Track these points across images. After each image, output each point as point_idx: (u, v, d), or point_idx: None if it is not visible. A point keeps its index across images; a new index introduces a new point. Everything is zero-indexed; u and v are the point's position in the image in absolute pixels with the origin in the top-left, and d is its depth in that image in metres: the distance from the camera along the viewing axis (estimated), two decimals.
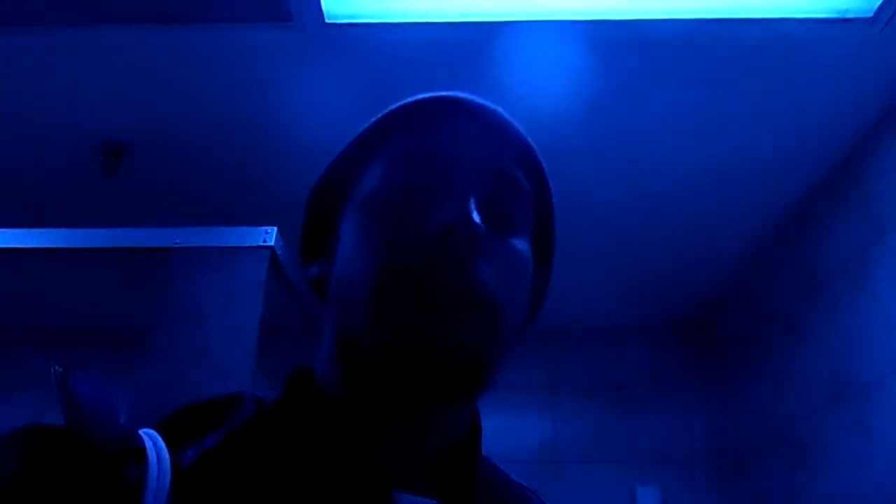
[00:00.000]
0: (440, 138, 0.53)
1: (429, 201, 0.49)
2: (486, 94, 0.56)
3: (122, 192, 1.82)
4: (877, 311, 1.84)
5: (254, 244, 1.48)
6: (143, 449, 0.42)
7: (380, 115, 0.57)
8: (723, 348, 2.79)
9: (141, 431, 0.44)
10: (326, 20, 1.41)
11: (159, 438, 0.44)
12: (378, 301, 0.46)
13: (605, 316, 2.84)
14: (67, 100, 1.71)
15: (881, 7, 1.47)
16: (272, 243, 1.48)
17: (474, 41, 1.49)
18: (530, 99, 1.70)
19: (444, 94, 0.56)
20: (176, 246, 1.47)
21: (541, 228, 0.57)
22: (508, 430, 2.71)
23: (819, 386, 2.11)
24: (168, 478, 0.42)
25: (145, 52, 1.58)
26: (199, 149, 1.74)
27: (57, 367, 0.43)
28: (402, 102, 0.56)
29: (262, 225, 1.50)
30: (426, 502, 0.46)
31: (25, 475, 0.38)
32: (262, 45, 1.51)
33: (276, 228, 1.48)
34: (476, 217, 0.47)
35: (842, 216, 2.00)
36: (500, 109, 0.56)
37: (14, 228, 1.53)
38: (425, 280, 0.45)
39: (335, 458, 0.46)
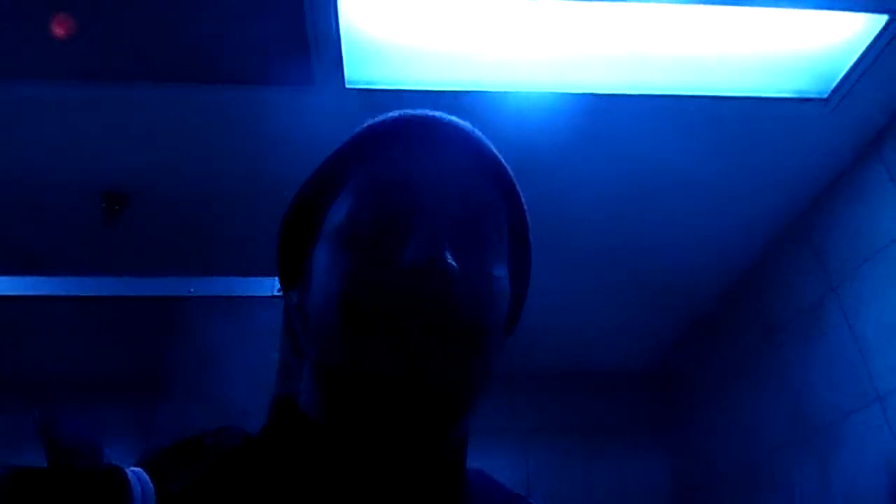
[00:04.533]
0: (407, 165, 0.52)
1: (399, 236, 0.48)
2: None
3: (128, 241, 1.84)
4: (831, 358, 2.01)
5: (266, 294, 1.53)
6: (127, 484, 0.42)
7: (346, 139, 0.56)
8: (686, 395, 2.94)
9: (126, 469, 0.44)
10: (347, 85, 1.51)
11: (143, 473, 0.44)
12: (353, 338, 0.46)
13: (576, 362, 2.95)
14: (74, 150, 1.73)
15: (834, 90, 1.67)
16: None
17: (488, 109, 1.61)
18: (525, 157, 1.83)
19: (408, 113, 0.55)
20: (190, 295, 1.50)
21: (516, 243, 0.57)
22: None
23: (777, 430, 2.26)
24: None
25: (162, 108, 1.63)
26: (207, 200, 1.79)
27: (37, 412, 0.45)
28: (367, 124, 0.56)
29: (269, 276, 1.55)
30: None
31: None
32: (280, 106, 1.59)
33: None
34: (448, 256, 0.46)
35: (797, 270, 2.20)
36: (466, 125, 0.56)
37: (20, 276, 1.54)
38: (401, 317, 0.45)
39: (322, 481, 0.46)
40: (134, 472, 0.44)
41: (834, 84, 1.66)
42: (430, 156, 0.52)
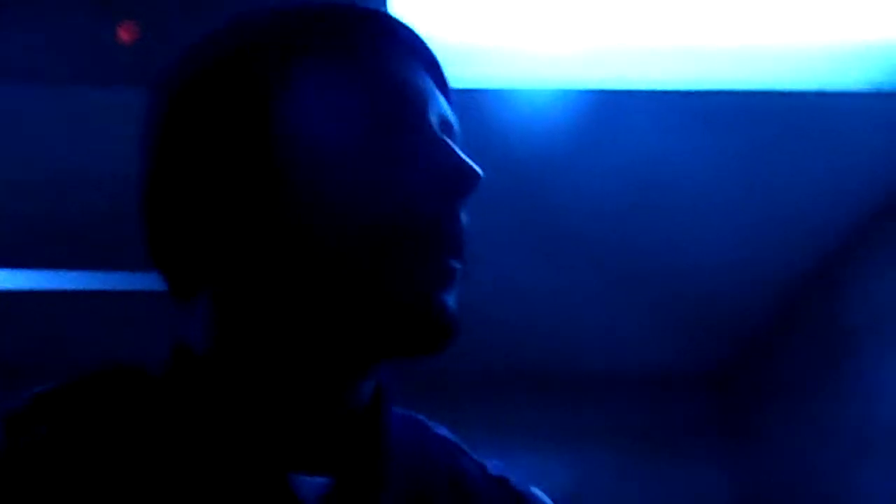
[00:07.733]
0: (400, 67, 0.45)
1: (423, 144, 0.43)
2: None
3: None
4: None
5: None
6: None
7: (286, 9, 0.47)
8: (750, 400, 2.81)
9: None
10: None
11: None
12: (389, 255, 0.41)
13: (631, 365, 2.86)
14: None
15: None
16: None
17: (525, 107, 1.60)
18: (570, 154, 1.81)
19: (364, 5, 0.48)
20: None
21: None
22: (528, 479, 2.70)
23: (852, 438, 2.13)
24: None
25: None
26: None
27: None
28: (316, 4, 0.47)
29: None
30: (325, 481, 0.42)
31: None
32: None
33: None
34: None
35: (868, 269, 2.07)
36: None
37: (74, 270, 1.60)
38: (442, 237, 0.42)
39: (223, 442, 0.41)
40: None
41: None
42: (409, 57, 0.47)
